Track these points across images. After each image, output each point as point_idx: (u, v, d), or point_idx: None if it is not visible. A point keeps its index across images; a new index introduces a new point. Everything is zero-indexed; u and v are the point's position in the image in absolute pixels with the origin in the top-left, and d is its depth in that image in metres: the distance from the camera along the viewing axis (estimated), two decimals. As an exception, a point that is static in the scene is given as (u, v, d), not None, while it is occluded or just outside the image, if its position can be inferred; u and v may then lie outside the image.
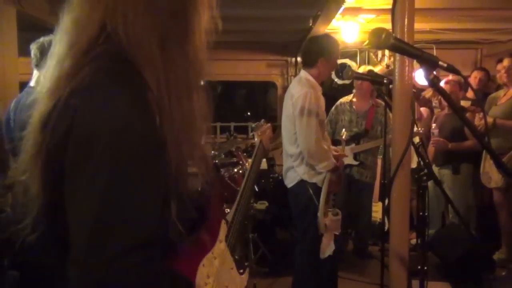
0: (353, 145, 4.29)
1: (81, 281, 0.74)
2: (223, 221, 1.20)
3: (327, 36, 3.21)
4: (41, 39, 2.40)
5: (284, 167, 3.17)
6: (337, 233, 3.08)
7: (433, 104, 4.83)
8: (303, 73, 3.05)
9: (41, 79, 0.95)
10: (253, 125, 1.68)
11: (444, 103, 4.52)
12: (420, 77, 3.88)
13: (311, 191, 2.96)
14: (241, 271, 1.27)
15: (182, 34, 0.88)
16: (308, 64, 3.04)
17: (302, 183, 3.00)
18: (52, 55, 0.89)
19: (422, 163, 2.12)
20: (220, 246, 1.14)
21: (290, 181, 3.09)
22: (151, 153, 0.79)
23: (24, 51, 3.32)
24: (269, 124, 1.71)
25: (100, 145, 0.75)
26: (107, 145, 0.76)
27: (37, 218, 0.90)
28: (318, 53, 2.98)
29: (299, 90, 2.94)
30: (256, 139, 1.61)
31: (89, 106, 0.78)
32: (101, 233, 0.74)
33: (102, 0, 0.84)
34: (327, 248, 3.00)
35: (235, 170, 3.89)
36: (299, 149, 2.97)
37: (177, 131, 0.84)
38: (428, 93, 5.09)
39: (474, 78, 4.87)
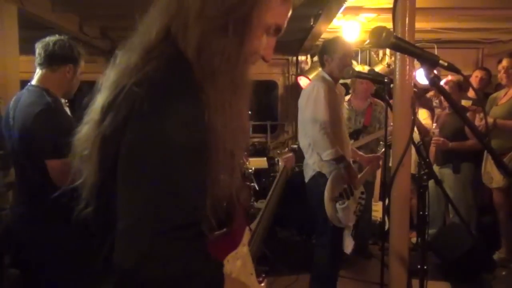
0: (352, 141, 4.29)
1: (126, 254, 0.82)
2: (247, 228, 1.25)
3: (335, 37, 3.45)
4: (47, 39, 2.40)
5: (304, 163, 3.30)
6: (350, 224, 3.12)
7: (434, 104, 4.82)
8: (320, 72, 3.27)
9: (107, 72, 1.04)
10: (278, 151, 1.83)
11: (445, 102, 4.52)
12: (421, 76, 3.88)
13: (322, 185, 3.02)
14: (260, 279, 1.30)
15: (230, 46, 0.96)
16: (320, 63, 3.30)
17: (315, 177, 3.09)
18: (124, 52, 1.02)
19: (422, 163, 2.12)
20: (243, 249, 1.19)
21: (306, 176, 3.21)
22: (201, 144, 0.88)
23: (25, 49, 3.33)
24: (291, 154, 1.82)
25: (157, 132, 0.85)
26: (163, 132, 0.85)
27: (90, 195, 1.02)
28: (322, 52, 3.22)
29: (311, 85, 3.18)
30: (280, 164, 1.72)
31: (150, 96, 0.87)
32: (150, 210, 0.82)
33: (169, 9, 0.97)
34: (349, 242, 3.07)
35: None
36: (308, 141, 3.11)
37: (221, 131, 0.93)
38: (429, 94, 5.09)
39: (475, 77, 4.86)
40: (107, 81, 1.01)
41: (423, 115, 4.95)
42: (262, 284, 1.32)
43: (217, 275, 0.94)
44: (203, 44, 0.94)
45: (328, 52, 3.16)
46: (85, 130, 1.02)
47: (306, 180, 3.20)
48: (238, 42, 0.96)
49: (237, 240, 1.17)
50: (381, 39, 1.25)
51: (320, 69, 3.32)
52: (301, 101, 3.17)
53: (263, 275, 1.38)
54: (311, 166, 3.11)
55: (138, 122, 0.87)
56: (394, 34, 1.31)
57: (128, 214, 0.84)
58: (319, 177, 3.07)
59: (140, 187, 0.84)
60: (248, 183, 1.31)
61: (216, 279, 0.94)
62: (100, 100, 0.99)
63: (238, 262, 1.14)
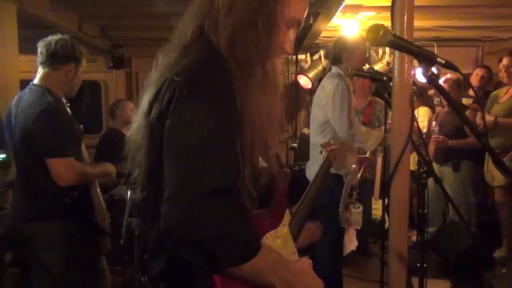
0: None
1: (170, 215, 0.93)
2: (287, 210, 1.31)
3: (352, 35, 3.53)
4: (49, 38, 2.40)
5: (310, 160, 3.29)
6: (358, 228, 3.13)
7: (435, 102, 4.82)
8: (334, 69, 3.24)
9: (151, 74, 1.16)
10: (322, 143, 1.99)
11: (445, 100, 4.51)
12: (420, 74, 3.87)
13: (334, 184, 3.02)
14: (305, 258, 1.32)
15: (271, 46, 1.10)
16: (335, 60, 3.26)
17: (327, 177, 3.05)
18: (164, 53, 1.14)
19: (422, 161, 2.12)
20: (283, 229, 1.24)
21: (313, 175, 3.12)
22: (233, 121, 1.00)
23: (24, 49, 3.33)
24: (337, 146, 1.93)
25: (195, 113, 0.97)
26: (200, 113, 0.97)
27: (143, 181, 1.14)
28: (341, 49, 3.20)
29: (331, 82, 3.11)
30: (323, 153, 1.87)
31: (188, 83, 0.99)
32: (191, 177, 0.93)
33: (201, 10, 1.10)
34: (351, 243, 3.05)
35: None
36: (325, 139, 3.02)
37: (253, 115, 1.04)
38: (431, 91, 5.09)
39: (476, 75, 4.85)
40: (151, 80, 1.12)
41: (423, 113, 4.95)
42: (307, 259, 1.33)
43: (253, 240, 1.00)
44: (234, 38, 1.05)
45: (348, 49, 3.15)
46: (137, 123, 1.14)
47: (311, 178, 3.15)
48: (266, 35, 1.07)
49: (277, 220, 1.23)
50: (379, 37, 1.25)
51: (333, 66, 3.27)
52: (323, 100, 3.11)
53: (308, 256, 1.41)
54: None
55: (178, 106, 0.99)
56: (392, 32, 1.31)
57: (171, 183, 0.94)
58: (331, 178, 3.00)
59: (180, 159, 0.96)
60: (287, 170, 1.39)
61: (252, 245, 0.99)
62: (146, 96, 1.10)
63: (278, 241, 1.20)
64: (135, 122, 1.16)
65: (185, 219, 0.91)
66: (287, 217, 1.29)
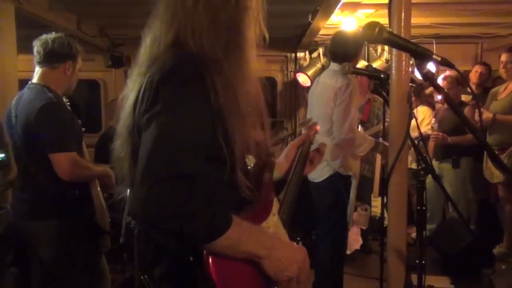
0: None
1: (133, 199, 1.00)
2: (275, 198, 1.33)
3: (354, 32, 3.35)
4: (44, 37, 2.40)
5: None
6: (364, 228, 3.11)
7: (435, 100, 4.81)
8: (336, 66, 3.05)
9: (128, 80, 1.21)
10: (301, 121, 1.79)
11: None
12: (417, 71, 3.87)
13: (342, 185, 2.99)
14: (295, 243, 1.33)
15: (240, 42, 1.16)
16: (343, 58, 3.03)
17: (333, 178, 3.01)
18: (135, 65, 1.19)
19: (420, 158, 2.12)
20: (274, 218, 1.27)
21: (318, 175, 3.08)
22: (206, 113, 1.04)
23: (23, 48, 3.33)
24: (316, 122, 1.85)
25: (167, 106, 1.02)
26: (168, 102, 1.02)
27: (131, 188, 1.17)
28: (356, 47, 3.07)
29: (340, 80, 2.95)
30: (304, 132, 1.77)
31: (162, 80, 1.05)
32: (154, 162, 0.98)
33: (175, 21, 1.13)
34: (355, 242, 3.04)
35: None
36: (335, 141, 2.97)
37: (234, 109, 1.09)
38: (428, 90, 5.09)
39: (475, 72, 4.85)
40: (129, 90, 1.17)
41: (423, 112, 4.94)
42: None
43: (221, 217, 1.03)
44: (214, 45, 1.11)
45: (359, 48, 3.08)
46: (120, 139, 1.20)
47: (317, 179, 3.09)
48: (239, 28, 1.15)
49: (267, 209, 1.25)
50: (374, 34, 1.25)
51: (335, 63, 3.11)
52: (330, 99, 2.96)
53: (298, 239, 1.42)
54: (333, 166, 3.01)
55: (153, 103, 1.04)
56: (388, 29, 1.32)
57: (138, 169, 1.00)
58: (338, 177, 3.00)
59: (147, 146, 1.00)
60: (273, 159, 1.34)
61: (220, 221, 1.02)
62: (130, 101, 1.15)
63: (270, 230, 1.23)
64: (118, 138, 1.20)
65: (145, 202, 0.95)
66: (275, 206, 1.31)
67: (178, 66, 1.07)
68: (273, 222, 1.25)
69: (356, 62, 3.10)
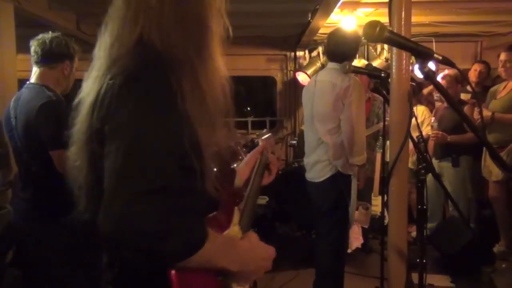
0: None
1: (105, 217, 0.91)
2: (236, 208, 1.30)
3: (357, 31, 3.30)
4: (41, 36, 2.40)
5: (307, 160, 3.16)
6: (365, 227, 3.11)
7: (435, 98, 4.81)
8: (336, 65, 3.00)
9: (84, 83, 1.15)
10: (257, 133, 1.77)
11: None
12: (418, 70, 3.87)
13: (343, 184, 2.97)
14: (262, 244, 1.33)
15: (207, 39, 1.12)
16: (343, 57, 2.99)
17: (334, 177, 2.98)
18: (92, 67, 1.13)
19: (420, 157, 2.12)
20: (235, 228, 1.25)
21: (319, 175, 3.06)
22: (173, 118, 0.98)
23: (22, 48, 3.32)
24: (271, 134, 1.79)
25: (132, 112, 0.96)
26: (137, 111, 0.96)
27: (88, 198, 1.12)
28: (355, 46, 3.06)
29: (344, 79, 2.90)
30: (260, 144, 1.69)
31: (124, 84, 0.99)
32: (123, 178, 0.92)
33: (139, 20, 1.07)
34: (356, 240, 3.04)
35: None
36: (340, 139, 2.93)
37: (204, 115, 1.05)
38: (426, 90, 5.08)
39: (474, 71, 4.85)
40: (87, 87, 1.12)
41: (422, 112, 4.93)
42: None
43: (196, 234, 0.99)
44: (182, 43, 1.07)
45: (357, 47, 3.05)
46: (74, 146, 1.15)
47: (317, 179, 3.07)
48: (204, 28, 1.11)
49: (229, 220, 1.23)
50: (375, 33, 1.24)
51: (334, 62, 3.06)
52: (335, 98, 2.90)
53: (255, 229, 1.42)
54: (336, 165, 2.97)
55: (116, 108, 0.98)
56: (388, 28, 1.31)
57: (106, 186, 0.93)
58: (340, 177, 2.98)
59: (114, 160, 0.94)
60: (232, 168, 1.31)
61: (195, 238, 0.98)
62: (87, 103, 1.09)
63: None
64: (73, 145, 1.16)
65: (119, 220, 0.90)
66: (236, 216, 1.29)
67: (142, 69, 1.01)
68: (234, 232, 1.23)
69: (352, 61, 3.09)
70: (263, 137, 1.71)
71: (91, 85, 1.09)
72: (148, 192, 0.91)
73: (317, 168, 3.08)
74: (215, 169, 1.18)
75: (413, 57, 2.42)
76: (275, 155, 1.69)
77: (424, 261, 2.13)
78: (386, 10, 2.35)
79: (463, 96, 4.64)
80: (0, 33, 3.38)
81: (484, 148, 4.27)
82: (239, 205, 1.35)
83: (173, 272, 0.99)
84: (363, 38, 3.08)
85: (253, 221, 1.37)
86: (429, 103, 5.12)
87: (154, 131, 0.96)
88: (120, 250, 0.96)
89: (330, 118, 2.96)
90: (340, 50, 3.03)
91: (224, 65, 1.17)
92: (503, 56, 4.23)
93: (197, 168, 1.04)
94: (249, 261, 1.13)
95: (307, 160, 3.17)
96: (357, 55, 3.20)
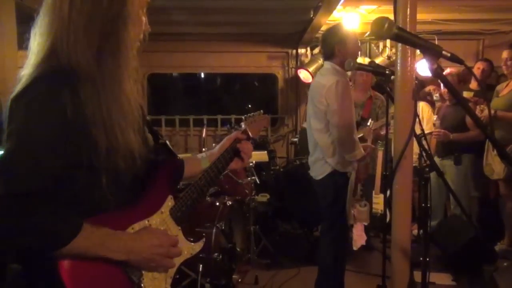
0: None
1: None
2: (170, 196, 1.36)
3: (338, 25, 3.27)
4: None
5: (310, 158, 3.20)
6: (366, 224, 3.11)
7: (434, 98, 4.80)
8: (328, 64, 3.06)
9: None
10: (244, 116, 1.69)
11: (446, 95, 4.51)
12: (421, 68, 3.86)
13: (340, 183, 2.99)
14: (191, 239, 1.44)
15: (114, 48, 1.16)
16: (328, 55, 3.08)
17: (331, 175, 3.02)
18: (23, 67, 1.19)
19: (424, 155, 2.11)
20: (162, 216, 1.32)
21: (318, 173, 3.11)
22: (46, 130, 1.08)
23: (23, 44, 3.31)
24: (265, 115, 1.74)
25: (10, 124, 1.08)
26: (14, 123, 1.08)
27: None
28: (332, 42, 3.02)
29: (330, 79, 2.95)
30: (243, 127, 1.64)
31: (17, 94, 1.11)
32: None
33: (51, 31, 1.14)
34: (360, 238, 3.04)
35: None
36: (331, 139, 2.98)
37: (105, 121, 1.12)
38: (427, 89, 5.07)
39: (477, 69, 4.83)
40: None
41: (423, 110, 4.92)
42: (195, 244, 1.44)
43: (62, 230, 1.08)
44: (87, 54, 1.13)
45: (339, 42, 2.98)
46: None
47: (318, 176, 3.11)
48: (111, 36, 1.16)
49: (152, 209, 1.30)
50: (383, 30, 1.23)
51: (326, 61, 3.12)
52: (324, 98, 2.94)
53: (203, 235, 1.51)
54: (330, 163, 3.01)
55: (8, 123, 1.09)
56: (397, 24, 1.30)
57: None
58: (337, 175, 3.01)
59: None
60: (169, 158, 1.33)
61: (60, 234, 1.08)
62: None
63: (152, 227, 1.28)
64: None
65: None
66: (168, 203, 1.35)
67: (31, 83, 1.09)
68: (160, 220, 1.31)
69: (348, 57, 2.92)
70: (248, 121, 1.67)
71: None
72: (12, 194, 1.03)
73: (316, 166, 3.14)
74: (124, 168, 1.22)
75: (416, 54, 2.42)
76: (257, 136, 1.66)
77: (427, 259, 2.12)
78: (389, 7, 2.33)
79: (466, 94, 4.63)
80: (1, 29, 3.37)
81: (486, 146, 4.27)
82: (179, 194, 1.40)
83: (64, 262, 1.09)
84: (366, 35, 3.07)
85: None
86: (428, 102, 5.10)
87: (26, 142, 1.07)
88: None
89: (320, 116, 3.02)
90: (327, 47, 3.07)
91: (136, 68, 1.23)
92: (506, 54, 4.24)
93: (91, 168, 1.13)
94: (137, 249, 1.19)
95: (310, 159, 3.24)
96: (358, 53, 3.14)
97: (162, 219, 1.32)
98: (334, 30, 3.10)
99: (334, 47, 2.99)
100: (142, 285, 1.24)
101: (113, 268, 1.18)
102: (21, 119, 1.07)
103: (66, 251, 1.08)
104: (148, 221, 1.28)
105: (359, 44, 3.15)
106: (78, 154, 1.11)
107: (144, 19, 1.26)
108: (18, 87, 1.12)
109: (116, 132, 1.15)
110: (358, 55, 2.91)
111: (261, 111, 1.74)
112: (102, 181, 1.16)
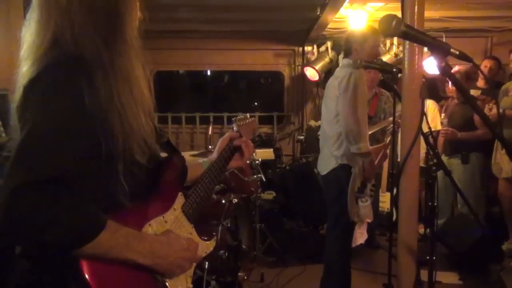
0: None
1: None
2: (180, 193, 1.34)
3: (366, 27, 3.42)
4: None
5: (319, 155, 3.23)
6: (369, 221, 3.11)
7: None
8: (346, 61, 3.15)
9: (13, 96, 1.17)
10: (233, 118, 1.70)
11: (453, 93, 4.49)
12: (429, 66, 3.83)
13: (344, 177, 2.99)
14: (205, 238, 1.42)
15: (121, 31, 1.15)
16: (346, 52, 3.20)
17: (336, 170, 3.03)
18: (18, 69, 1.16)
19: (431, 153, 2.10)
20: (175, 213, 1.30)
21: (324, 168, 3.14)
22: (66, 116, 1.04)
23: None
24: (254, 120, 1.76)
25: (29, 111, 1.04)
26: (32, 110, 1.04)
27: None
28: (351, 40, 3.13)
29: (345, 71, 3.03)
30: (235, 128, 1.66)
31: (31, 88, 1.07)
32: (14, 168, 0.99)
33: (51, 21, 1.11)
34: (361, 236, 3.04)
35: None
36: (339, 129, 3.01)
37: (118, 107, 1.10)
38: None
39: (485, 67, 4.79)
40: (15, 97, 1.16)
41: (431, 108, 4.89)
42: (208, 242, 1.42)
43: (86, 224, 1.02)
44: (94, 40, 1.10)
45: (357, 41, 3.08)
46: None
47: (323, 171, 3.14)
48: (116, 17, 1.14)
49: (166, 206, 1.28)
50: (391, 27, 1.22)
51: (344, 58, 3.22)
52: (336, 90, 3.02)
53: (214, 234, 1.48)
54: (336, 157, 3.03)
55: (23, 111, 1.06)
56: (404, 22, 1.29)
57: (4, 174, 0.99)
58: (342, 170, 3.01)
59: (13, 155, 1.01)
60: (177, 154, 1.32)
61: (85, 228, 1.02)
62: (13, 109, 1.15)
63: (167, 225, 1.26)
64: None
65: (3, 211, 0.96)
66: (179, 200, 1.32)
67: (45, 70, 1.07)
68: (173, 217, 1.28)
69: (364, 58, 3.04)
70: (239, 122, 1.68)
71: (17, 89, 1.14)
72: (35, 182, 0.97)
73: (322, 161, 3.18)
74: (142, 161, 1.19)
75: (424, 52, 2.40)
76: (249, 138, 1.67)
77: (434, 258, 2.11)
78: (396, 5, 2.32)
79: (473, 92, 4.59)
80: (9, 25, 3.39)
81: (495, 145, 4.25)
82: (188, 191, 1.38)
83: (85, 262, 1.02)
84: (379, 34, 3.09)
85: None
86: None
87: (46, 127, 1.02)
88: (8, 239, 1.02)
89: (330, 108, 3.08)
90: (346, 44, 3.17)
91: (141, 53, 1.20)
92: (513, 52, 4.19)
93: (109, 158, 1.09)
94: (165, 253, 1.16)
95: (319, 156, 3.26)
96: (375, 57, 3.16)
97: (175, 216, 1.29)
98: (358, 30, 3.22)
99: (352, 46, 3.10)
100: (166, 284, 1.21)
101: (137, 267, 1.13)
102: (39, 106, 1.04)
103: (87, 249, 1.01)
104: (163, 217, 1.25)
105: (378, 50, 3.19)
106: (97, 141, 1.07)
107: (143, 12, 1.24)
108: (24, 80, 1.09)
109: (129, 118, 1.12)
110: (374, 59, 2.92)
111: (247, 114, 1.75)
112: (118, 170, 1.11)
